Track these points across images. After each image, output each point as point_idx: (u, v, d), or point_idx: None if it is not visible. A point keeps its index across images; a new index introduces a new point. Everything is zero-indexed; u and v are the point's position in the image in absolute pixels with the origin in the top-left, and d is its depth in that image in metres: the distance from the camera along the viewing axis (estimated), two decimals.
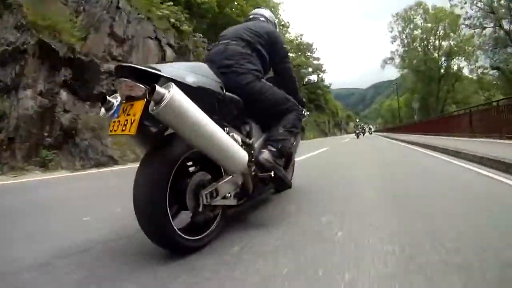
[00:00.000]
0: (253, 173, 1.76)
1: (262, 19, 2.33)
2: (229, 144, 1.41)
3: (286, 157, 2.30)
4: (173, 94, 1.16)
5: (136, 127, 1.22)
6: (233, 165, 1.48)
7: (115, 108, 1.37)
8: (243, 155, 1.51)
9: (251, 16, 2.40)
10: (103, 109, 1.41)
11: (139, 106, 1.24)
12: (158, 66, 1.39)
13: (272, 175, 1.71)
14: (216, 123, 1.37)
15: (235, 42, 1.91)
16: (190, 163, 1.56)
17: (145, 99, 1.22)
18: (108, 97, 1.41)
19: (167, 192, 1.32)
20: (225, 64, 1.79)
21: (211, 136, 1.31)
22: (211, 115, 1.36)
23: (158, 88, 1.15)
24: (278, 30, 2.42)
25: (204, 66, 1.70)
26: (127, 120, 1.27)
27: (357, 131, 24.59)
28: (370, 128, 43.15)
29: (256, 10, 2.50)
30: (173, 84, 1.21)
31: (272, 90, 1.94)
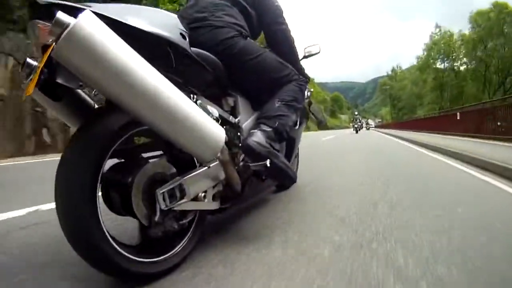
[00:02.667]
0: (241, 164, 1.28)
1: None
2: (193, 114, 0.93)
3: (287, 143, 1.83)
4: (81, 21, 0.71)
5: (33, 85, 0.75)
6: (201, 149, 0.99)
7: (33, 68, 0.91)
8: (218, 133, 1.02)
9: None
10: (24, 75, 0.92)
11: (46, 54, 0.76)
12: (95, 4, 0.91)
13: (268, 165, 1.22)
14: (175, 84, 0.90)
15: None
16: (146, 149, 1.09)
17: (54, 43, 0.74)
18: (28, 59, 0.94)
19: (97, 190, 0.85)
20: (196, 17, 1.34)
21: (157, 96, 0.83)
22: (164, 73, 0.89)
23: (59, 15, 0.70)
24: None
25: (164, 13, 1.22)
26: (32, 80, 0.79)
27: (356, 125, 22.47)
28: (367, 123, 41.74)
29: None
30: (87, 10, 0.75)
31: (263, 51, 1.45)
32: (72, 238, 0.85)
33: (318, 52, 2.31)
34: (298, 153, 2.50)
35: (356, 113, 29.16)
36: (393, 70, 76.82)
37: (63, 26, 0.70)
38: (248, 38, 1.44)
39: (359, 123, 23.14)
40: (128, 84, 0.79)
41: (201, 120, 0.96)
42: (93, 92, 1.06)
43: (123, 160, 1.08)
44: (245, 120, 1.43)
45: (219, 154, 1.05)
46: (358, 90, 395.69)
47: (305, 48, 2.36)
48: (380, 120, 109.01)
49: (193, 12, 1.39)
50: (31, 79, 0.84)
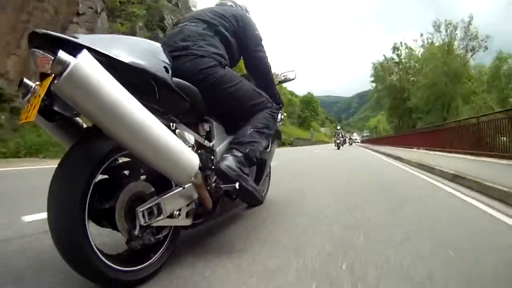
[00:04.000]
0: (213, 185, 1.47)
1: (229, 3, 2.05)
2: (172, 144, 1.11)
3: (258, 165, 2.02)
4: (79, 62, 0.87)
5: (35, 112, 0.91)
6: (177, 173, 1.18)
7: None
8: (193, 159, 1.21)
9: (217, 2, 2.12)
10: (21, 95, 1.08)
11: (45, 83, 0.94)
12: (85, 36, 1.09)
13: (237, 187, 1.41)
14: (156, 114, 1.08)
15: (194, 24, 1.64)
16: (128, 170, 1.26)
17: (53, 74, 0.92)
18: (25, 79, 1.09)
19: (86, 206, 1.01)
20: (179, 46, 1.51)
21: (141, 129, 1.01)
22: (148, 104, 1.08)
23: (60, 54, 0.86)
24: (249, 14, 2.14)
25: (148, 43, 1.39)
26: (32, 104, 0.96)
27: (338, 141, 21.41)
28: (350, 138, 39.52)
29: None
30: (85, 50, 0.92)
31: (239, 80, 1.65)
32: (63, 250, 1.00)
33: (294, 78, 2.55)
34: (270, 172, 2.71)
35: (338, 127, 28.30)
36: (396, 49, 43.44)
37: (64, 64, 0.86)
38: (227, 67, 1.62)
39: (341, 138, 22.70)
40: (117, 117, 0.96)
41: (179, 148, 1.14)
42: None
43: (107, 177, 1.24)
44: (219, 144, 1.61)
45: (193, 178, 1.23)
46: (343, 105, 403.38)
47: (281, 73, 2.59)
48: (367, 134, 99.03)
49: (177, 40, 1.54)
50: (29, 103, 0.99)
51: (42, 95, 0.91)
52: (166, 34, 10.67)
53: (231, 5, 2.02)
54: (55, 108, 0.99)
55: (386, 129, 60.42)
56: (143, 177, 1.33)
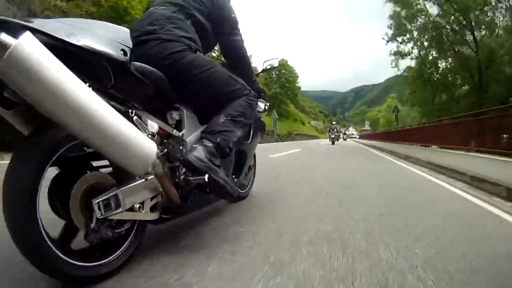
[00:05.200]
0: (182, 177, 1.41)
1: None
2: (124, 130, 1.04)
3: (238, 157, 1.96)
4: (20, 43, 0.82)
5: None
6: (131, 162, 1.11)
7: None
8: (149, 148, 1.14)
9: None
10: None
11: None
12: (37, 20, 1.02)
13: (206, 180, 1.35)
14: (112, 100, 1.02)
15: (163, 8, 1.56)
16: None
17: None
18: None
19: (37, 197, 0.96)
20: (146, 30, 1.43)
21: (88, 114, 0.94)
22: (102, 89, 1.02)
23: (2, 36, 0.82)
24: None
25: (111, 27, 1.31)
26: None
27: (332, 136, 21.30)
28: (344, 133, 38.19)
29: None
30: (28, 32, 0.86)
31: (211, 66, 1.57)
32: (15, 238, 0.95)
33: (276, 66, 2.50)
34: (254, 166, 2.64)
35: (333, 122, 28.33)
36: None
37: (6, 47, 0.81)
38: (198, 51, 1.53)
39: (336, 133, 22.39)
40: (61, 103, 0.90)
41: (132, 135, 1.07)
42: None
43: (65, 168, 1.18)
44: (190, 134, 1.54)
45: (150, 169, 1.17)
46: (338, 99, 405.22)
47: (265, 61, 2.53)
48: (367, 128, 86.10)
49: (144, 25, 1.46)
50: None
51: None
52: None
53: None
54: (5, 95, 0.94)
55: (390, 120, 50.21)
56: (108, 169, 1.26)
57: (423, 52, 25.97)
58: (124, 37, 1.30)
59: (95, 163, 1.25)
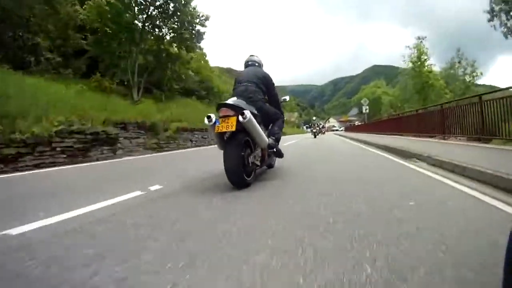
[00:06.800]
0: (268, 150, 3.89)
1: (256, 64, 4.43)
2: (262, 133, 3.50)
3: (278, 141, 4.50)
4: (250, 115, 3.22)
5: (235, 126, 3.20)
6: (263, 145, 3.58)
7: (214, 120, 3.31)
8: (266, 139, 3.61)
9: (250, 62, 4.47)
10: (206, 120, 3.36)
11: (234, 119, 3.22)
12: (237, 102, 3.41)
13: (275, 150, 3.84)
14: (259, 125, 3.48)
15: (250, 84, 3.99)
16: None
17: (236, 117, 3.24)
18: (210, 115, 3.37)
19: (240, 158, 3.32)
20: (248, 96, 3.85)
21: (259, 130, 3.39)
22: (258, 122, 3.48)
23: (245, 112, 3.19)
24: (263, 65, 4.55)
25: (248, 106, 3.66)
26: (227, 125, 3.22)
27: (314, 130, 24.71)
28: (323, 127, 36.52)
29: (250, 58, 4.55)
30: (247, 110, 3.24)
31: (270, 108, 4.06)
32: (229, 174, 3.26)
33: (287, 100, 5.07)
34: None
35: (314, 118, 30.16)
36: None
37: (247, 115, 3.17)
38: (266, 102, 4.02)
39: (317, 128, 25.47)
40: (258, 132, 3.35)
41: (263, 134, 3.54)
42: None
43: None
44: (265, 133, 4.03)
45: (264, 146, 3.66)
46: (316, 92, 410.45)
47: (282, 98, 5.03)
48: (354, 114, 70.98)
49: (246, 94, 3.83)
50: (221, 124, 3.26)
51: (235, 124, 3.21)
52: None
53: (258, 66, 4.41)
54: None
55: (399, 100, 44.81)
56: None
57: None
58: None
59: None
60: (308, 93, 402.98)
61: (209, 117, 3.35)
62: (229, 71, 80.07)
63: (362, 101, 31.89)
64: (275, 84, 4.36)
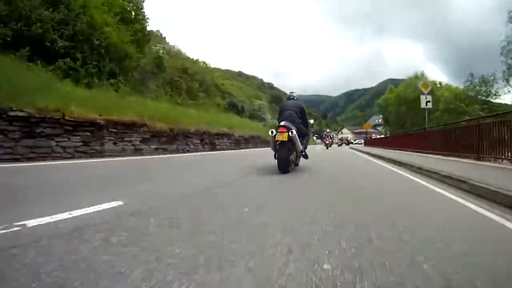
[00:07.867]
0: (301, 153, 6.69)
1: (295, 98, 7.35)
2: (299, 143, 6.29)
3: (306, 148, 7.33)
4: (295, 133, 6.06)
5: (287, 138, 5.98)
6: (298, 150, 6.40)
7: (275, 133, 6.09)
8: (300, 147, 6.41)
9: (291, 97, 7.42)
10: (270, 133, 6.22)
11: (286, 134, 5.99)
12: (286, 124, 6.20)
13: (303, 153, 6.67)
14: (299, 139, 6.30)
15: (293, 111, 6.79)
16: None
17: (288, 133, 6.00)
18: (273, 130, 6.24)
19: (287, 156, 6.09)
20: (292, 121, 6.64)
21: (298, 141, 6.19)
22: (299, 136, 6.31)
23: (294, 131, 6.04)
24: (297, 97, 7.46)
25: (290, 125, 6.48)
26: (282, 136, 6.01)
27: (327, 142, 26.64)
28: (340, 139, 38.36)
29: (291, 94, 7.52)
30: (294, 130, 6.07)
31: (302, 127, 6.85)
32: (280, 163, 6.05)
33: (313, 125, 8.02)
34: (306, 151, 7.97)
35: (328, 130, 32.00)
36: None
37: (293, 131, 5.98)
38: (301, 124, 6.83)
39: (330, 140, 27.05)
40: (297, 141, 6.16)
41: (299, 143, 6.38)
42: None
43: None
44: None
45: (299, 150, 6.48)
46: (329, 103, 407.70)
47: (309, 120, 7.88)
48: (379, 123, 54.11)
49: (291, 119, 6.59)
50: (278, 135, 6.09)
51: (287, 136, 6.03)
52: None
53: (297, 99, 7.39)
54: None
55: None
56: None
57: None
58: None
59: None
60: (321, 104, 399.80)
61: (272, 132, 6.19)
62: (240, 74, 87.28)
63: (372, 117, 22.11)
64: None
